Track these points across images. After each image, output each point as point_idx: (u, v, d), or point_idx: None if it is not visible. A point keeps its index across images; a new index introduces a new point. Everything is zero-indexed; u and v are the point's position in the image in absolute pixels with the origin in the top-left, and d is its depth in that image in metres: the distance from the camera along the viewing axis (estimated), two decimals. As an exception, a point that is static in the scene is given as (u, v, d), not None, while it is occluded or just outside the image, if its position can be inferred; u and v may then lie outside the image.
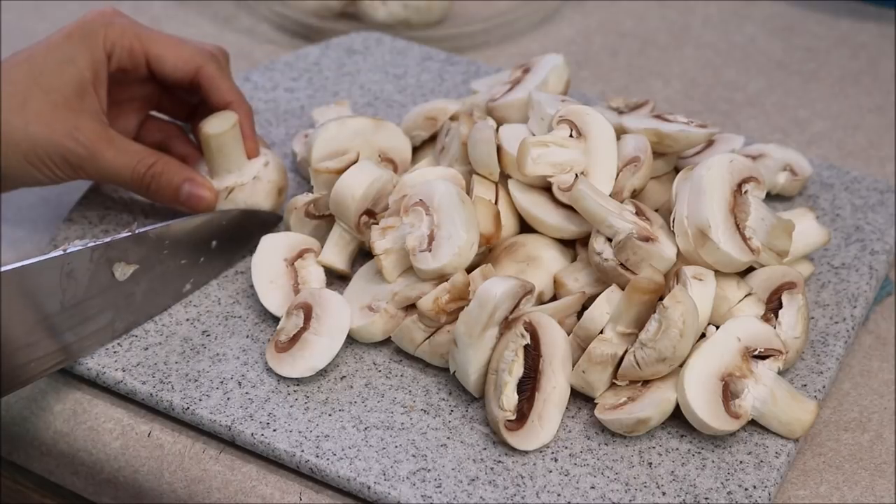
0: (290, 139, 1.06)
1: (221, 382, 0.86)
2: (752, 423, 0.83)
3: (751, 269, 0.88)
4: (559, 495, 0.80)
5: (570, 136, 0.91)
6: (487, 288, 0.82)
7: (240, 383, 0.86)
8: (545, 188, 0.91)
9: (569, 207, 0.89)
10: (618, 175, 0.90)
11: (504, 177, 0.92)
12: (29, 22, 1.29)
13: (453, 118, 0.96)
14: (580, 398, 0.85)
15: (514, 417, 0.82)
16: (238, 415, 0.84)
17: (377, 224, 0.89)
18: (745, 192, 0.87)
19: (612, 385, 0.84)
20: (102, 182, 0.98)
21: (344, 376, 0.87)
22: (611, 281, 0.86)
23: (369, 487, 0.80)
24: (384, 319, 0.87)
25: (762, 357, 0.83)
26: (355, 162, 0.93)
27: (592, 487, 0.80)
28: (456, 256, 0.85)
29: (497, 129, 0.92)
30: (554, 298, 0.88)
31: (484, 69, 1.15)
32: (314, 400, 0.85)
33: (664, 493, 0.80)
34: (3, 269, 0.80)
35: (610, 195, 0.88)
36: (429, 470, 0.81)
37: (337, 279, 0.93)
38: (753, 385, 0.82)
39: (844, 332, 0.90)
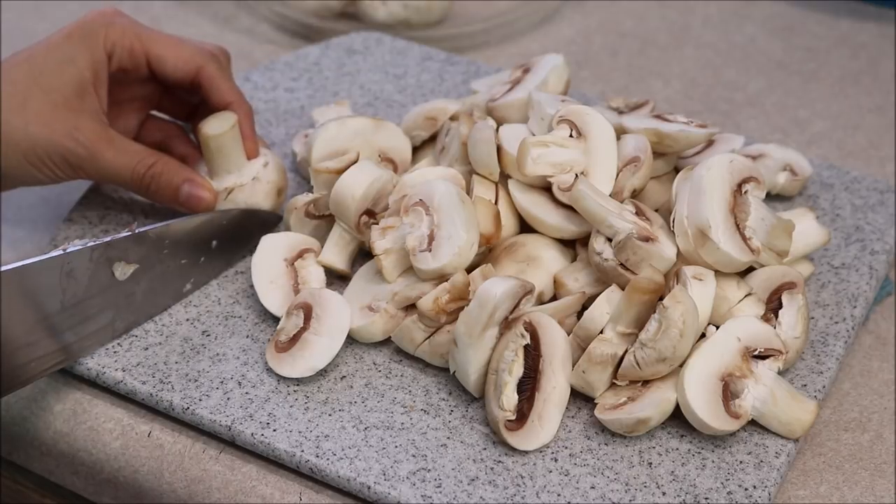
0: (290, 139, 1.06)
1: (221, 382, 0.86)
2: (752, 423, 0.83)
3: (751, 269, 0.88)
4: (559, 495, 0.80)
5: (570, 136, 0.91)
6: (487, 288, 0.82)
7: (240, 383, 0.86)
8: (545, 188, 0.91)
9: (569, 207, 0.89)
10: (618, 175, 0.90)
11: (504, 177, 0.92)
12: (29, 22, 1.29)
13: (453, 118, 0.96)
14: (580, 398, 0.85)
15: (514, 417, 0.82)
16: (238, 415, 0.84)
17: (377, 224, 0.89)
18: (745, 192, 0.87)
19: (612, 385, 0.84)
20: (102, 182, 0.99)
21: (344, 376, 0.87)
22: (611, 281, 0.86)
23: (369, 487, 0.80)
24: (384, 319, 0.87)
25: (762, 357, 0.83)
26: (355, 162, 0.93)
27: (592, 487, 0.80)
28: (456, 256, 0.85)
29: (497, 129, 0.92)
30: (554, 298, 0.88)
31: (484, 69, 1.15)
32: (314, 400, 0.85)
33: (664, 493, 0.80)
34: (3, 268, 0.80)
35: (610, 195, 0.88)
36: (429, 470, 0.81)
37: (337, 279, 0.93)
38: (753, 385, 0.82)
39: (844, 332, 0.90)
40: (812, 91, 1.21)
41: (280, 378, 0.86)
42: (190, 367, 0.87)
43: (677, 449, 0.82)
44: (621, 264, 0.85)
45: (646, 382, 0.83)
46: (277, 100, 1.11)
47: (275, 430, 0.83)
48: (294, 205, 0.94)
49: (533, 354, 0.82)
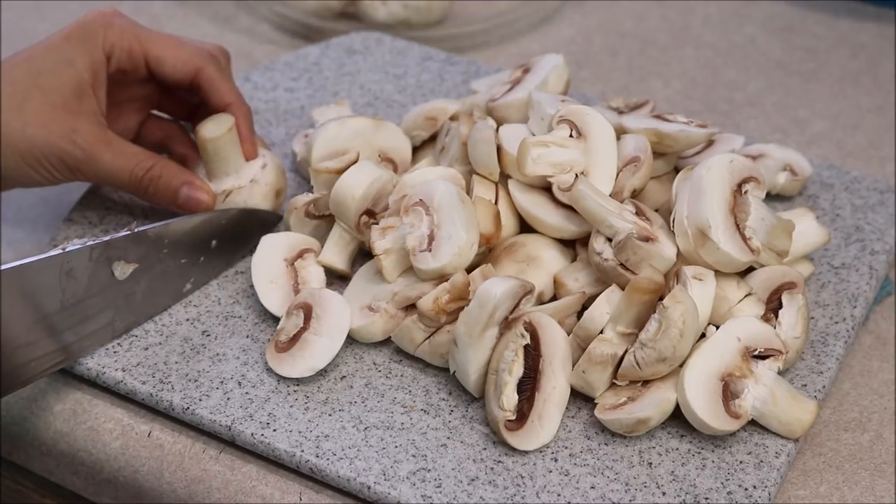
0: (290, 139, 1.06)
1: (221, 382, 0.86)
2: (752, 423, 0.83)
3: (751, 269, 0.88)
4: (559, 495, 0.79)
5: (570, 136, 0.91)
6: (487, 288, 0.82)
7: (240, 383, 0.86)
8: (545, 188, 0.91)
9: (569, 207, 0.89)
10: (618, 175, 0.90)
11: (504, 177, 0.92)
12: (29, 22, 1.29)
13: (453, 118, 0.96)
14: (580, 398, 0.85)
15: (514, 417, 0.82)
16: (238, 415, 0.84)
17: (377, 224, 0.89)
18: (745, 192, 0.87)
19: (612, 385, 0.84)
20: (100, 184, 0.98)
21: (344, 376, 0.87)
22: (611, 281, 0.86)
23: (369, 487, 0.80)
24: (384, 319, 0.87)
25: (762, 357, 0.83)
26: (355, 162, 0.93)
27: (592, 487, 0.80)
28: (456, 256, 0.85)
29: (497, 129, 0.92)
30: (554, 298, 0.88)
31: (484, 69, 1.15)
32: (314, 400, 0.85)
33: (664, 493, 0.80)
34: (3, 267, 0.80)
35: (610, 195, 0.88)
36: (429, 470, 0.81)
37: (337, 279, 0.93)
38: (753, 385, 0.82)
39: (844, 332, 0.90)
40: (812, 91, 1.21)
41: (280, 378, 0.86)
42: (190, 367, 0.87)
43: (677, 449, 0.82)
44: (621, 264, 0.85)
45: (646, 382, 0.83)
46: (277, 100, 1.11)
47: (275, 430, 0.83)
48: (294, 205, 0.94)
49: (533, 354, 0.82)
